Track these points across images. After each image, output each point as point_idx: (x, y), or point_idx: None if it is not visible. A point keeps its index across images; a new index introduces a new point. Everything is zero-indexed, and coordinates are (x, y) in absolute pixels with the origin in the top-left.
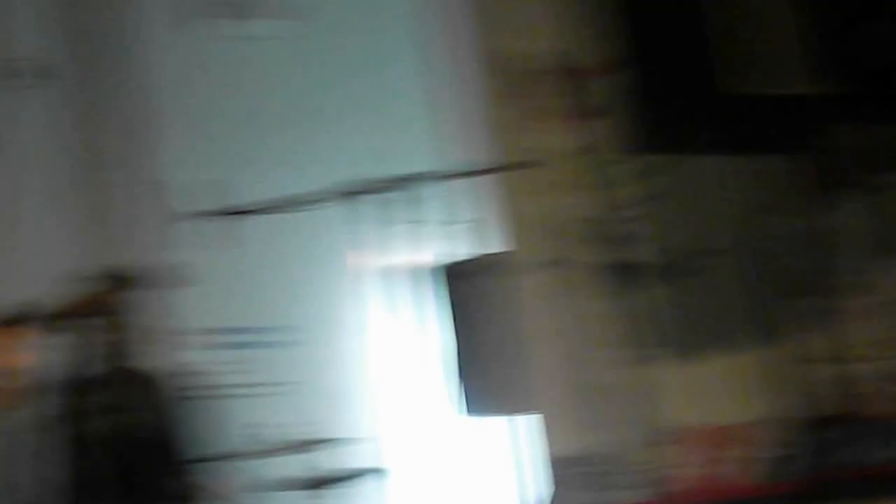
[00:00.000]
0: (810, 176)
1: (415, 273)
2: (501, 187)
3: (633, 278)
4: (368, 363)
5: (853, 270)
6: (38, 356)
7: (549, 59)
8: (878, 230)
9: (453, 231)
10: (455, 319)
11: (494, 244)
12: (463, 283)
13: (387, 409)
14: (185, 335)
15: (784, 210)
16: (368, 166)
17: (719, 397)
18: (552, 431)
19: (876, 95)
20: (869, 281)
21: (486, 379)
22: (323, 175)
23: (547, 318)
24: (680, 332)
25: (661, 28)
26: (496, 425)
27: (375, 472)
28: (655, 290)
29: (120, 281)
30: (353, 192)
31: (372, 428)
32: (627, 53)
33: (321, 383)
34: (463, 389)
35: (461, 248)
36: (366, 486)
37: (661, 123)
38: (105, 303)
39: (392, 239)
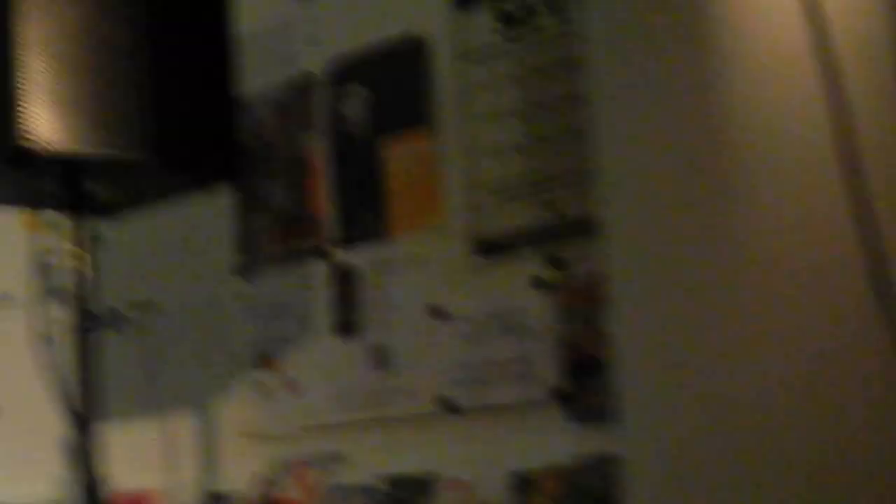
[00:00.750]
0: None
1: None
2: None
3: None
4: None
5: (264, 342)
6: None
7: None
8: (283, 304)
9: None
10: None
11: None
12: None
13: None
14: None
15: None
16: None
17: (149, 461)
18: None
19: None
20: (277, 355)
21: None
22: None
23: None
24: (122, 389)
25: None
26: None
27: None
28: (91, 342)
29: None
30: None
31: None
32: None
33: None
34: None
35: None
36: None
37: None
38: None
39: None
